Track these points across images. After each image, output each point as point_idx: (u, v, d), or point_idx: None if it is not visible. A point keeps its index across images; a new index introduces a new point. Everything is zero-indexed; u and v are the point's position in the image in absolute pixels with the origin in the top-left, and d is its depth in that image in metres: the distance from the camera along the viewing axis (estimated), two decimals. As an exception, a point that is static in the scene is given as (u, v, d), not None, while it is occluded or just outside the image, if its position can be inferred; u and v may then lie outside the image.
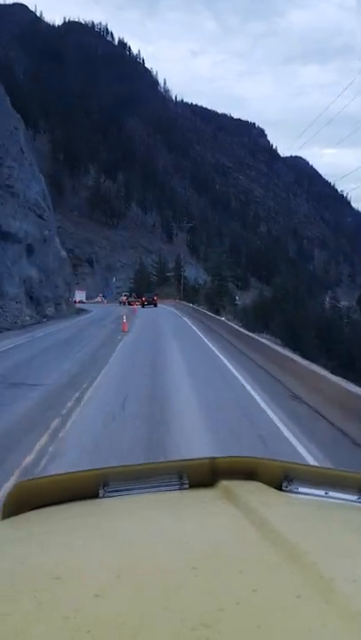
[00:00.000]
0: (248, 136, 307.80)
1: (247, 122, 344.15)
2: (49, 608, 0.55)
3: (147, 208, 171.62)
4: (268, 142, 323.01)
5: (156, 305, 55.27)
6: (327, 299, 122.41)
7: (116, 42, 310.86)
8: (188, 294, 66.23)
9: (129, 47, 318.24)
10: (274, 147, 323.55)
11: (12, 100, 44.87)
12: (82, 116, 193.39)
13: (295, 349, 32.09)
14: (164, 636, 0.49)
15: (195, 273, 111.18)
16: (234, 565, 0.63)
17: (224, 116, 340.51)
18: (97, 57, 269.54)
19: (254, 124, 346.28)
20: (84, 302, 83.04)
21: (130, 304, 63.96)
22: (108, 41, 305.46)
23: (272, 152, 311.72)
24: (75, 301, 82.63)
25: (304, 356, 16.23)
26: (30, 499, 0.89)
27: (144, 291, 75.53)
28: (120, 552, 0.69)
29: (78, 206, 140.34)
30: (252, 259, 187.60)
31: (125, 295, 74.03)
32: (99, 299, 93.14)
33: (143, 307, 54.20)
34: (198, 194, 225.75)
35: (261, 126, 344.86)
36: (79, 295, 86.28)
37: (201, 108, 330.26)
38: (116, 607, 0.54)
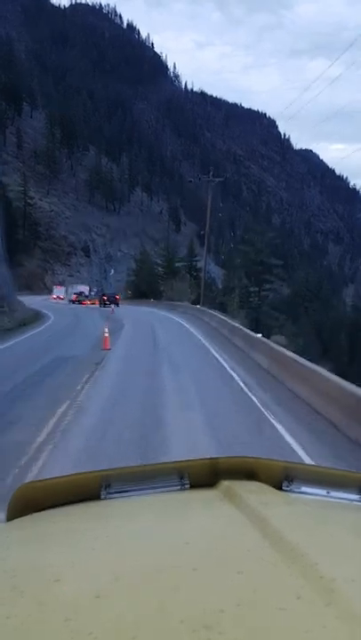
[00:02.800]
0: (260, 125, 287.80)
1: (258, 111, 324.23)
2: (49, 610, 0.54)
3: (153, 194, 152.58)
4: (280, 132, 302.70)
5: (117, 304, 47.86)
6: (347, 297, 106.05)
7: (125, 25, 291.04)
8: (208, 295, 46.93)
9: (138, 31, 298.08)
10: (287, 136, 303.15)
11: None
12: (85, 96, 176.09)
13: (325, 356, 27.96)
14: (164, 638, 0.49)
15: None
16: (234, 566, 0.62)
17: (235, 105, 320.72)
18: (104, 39, 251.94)
19: (265, 113, 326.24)
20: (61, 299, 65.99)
21: (80, 303, 54.64)
22: (117, 24, 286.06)
23: (285, 141, 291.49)
24: (53, 297, 63.59)
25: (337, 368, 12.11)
26: (34, 501, 0.89)
27: (147, 287, 57.09)
28: (121, 553, 0.69)
29: (75, 188, 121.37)
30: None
31: (75, 294, 60.82)
32: (55, 296, 69.42)
33: (104, 306, 46.57)
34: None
35: (272, 118, 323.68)
36: (58, 292, 71.37)
37: (211, 97, 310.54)
38: (117, 608, 0.53)
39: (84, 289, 73.81)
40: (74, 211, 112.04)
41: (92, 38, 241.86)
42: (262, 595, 0.55)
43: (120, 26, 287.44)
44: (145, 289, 57.36)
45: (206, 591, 0.56)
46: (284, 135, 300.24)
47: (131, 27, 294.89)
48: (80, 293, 60.71)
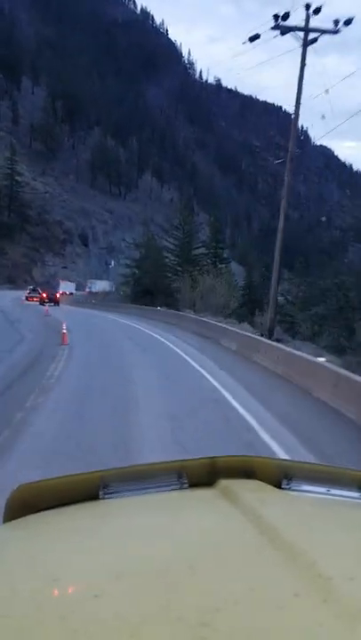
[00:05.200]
0: (277, 117, 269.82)
1: (273, 104, 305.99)
2: (47, 609, 0.54)
3: (164, 180, 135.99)
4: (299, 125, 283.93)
5: (58, 303, 42.63)
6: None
7: (139, 10, 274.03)
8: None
9: (152, 16, 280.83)
10: (305, 127, 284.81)
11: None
12: (94, 77, 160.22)
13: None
14: (162, 636, 0.48)
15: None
16: (232, 564, 0.62)
17: (250, 97, 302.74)
18: (117, 24, 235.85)
19: (281, 107, 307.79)
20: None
21: (29, 299, 46.19)
22: (130, 9, 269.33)
23: (303, 134, 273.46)
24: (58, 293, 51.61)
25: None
26: (31, 501, 0.87)
27: (152, 283, 40.45)
28: (119, 552, 0.68)
29: (76, 169, 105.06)
30: (285, 247, 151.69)
31: (29, 289, 51.76)
32: (61, 292, 59.58)
33: (43, 304, 39.99)
34: (222, 172, 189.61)
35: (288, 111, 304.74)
36: (65, 287, 64.56)
37: (226, 88, 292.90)
38: (115, 607, 0.52)
39: (70, 286, 65.58)
40: (72, 193, 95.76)
41: (104, 23, 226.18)
42: (260, 593, 0.55)
43: (134, 11, 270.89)
44: (150, 286, 40.51)
45: (204, 589, 0.56)
46: (302, 127, 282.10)
47: (145, 12, 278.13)
48: (34, 289, 51.27)
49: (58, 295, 45.87)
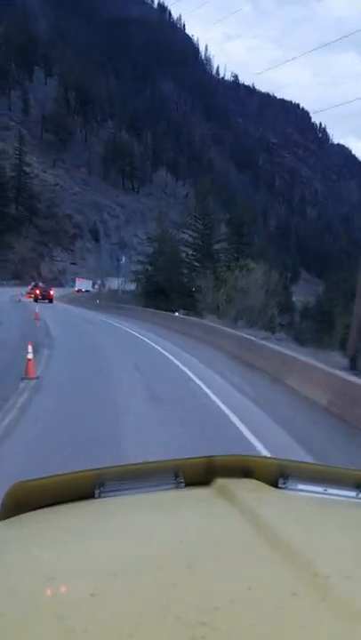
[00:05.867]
0: (294, 114, 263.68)
1: (291, 102, 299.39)
2: (44, 608, 0.53)
3: (179, 176, 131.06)
4: (316, 123, 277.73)
5: (51, 301, 40.62)
6: None
7: (155, 5, 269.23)
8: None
9: (169, 12, 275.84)
10: (323, 125, 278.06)
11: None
12: (108, 71, 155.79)
13: None
14: (159, 635, 0.47)
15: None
16: (229, 563, 0.61)
17: (267, 95, 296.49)
18: (133, 19, 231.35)
19: (298, 104, 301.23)
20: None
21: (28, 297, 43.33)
22: (147, 4, 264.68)
23: (321, 130, 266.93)
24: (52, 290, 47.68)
25: None
26: (27, 500, 0.86)
27: (167, 282, 35.51)
28: (116, 551, 0.68)
29: (88, 162, 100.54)
30: (302, 246, 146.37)
31: (31, 286, 49.53)
32: (77, 289, 60.66)
33: (37, 301, 38.24)
34: (239, 169, 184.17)
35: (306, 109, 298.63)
36: (82, 284, 63.06)
37: (244, 85, 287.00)
38: (112, 606, 0.52)
39: (86, 283, 63.14)
40: (83, 186, 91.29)
41: (120, 17, 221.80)
42: (258, 592, 0.54)
43: (150, 6, 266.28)
44: (164, 285, 35.40)
45: (202, 588, 0.55)
46: (320, 125, 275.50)
47: (162, 7, 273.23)
48: (35, 286, 49.44)
49: (51, 292, 43.50)
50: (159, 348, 14.49)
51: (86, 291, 59.59)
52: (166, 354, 13.61)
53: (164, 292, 35.05)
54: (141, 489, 0.88)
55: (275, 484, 0.89)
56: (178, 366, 11.72)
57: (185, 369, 11.29)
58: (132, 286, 43.14)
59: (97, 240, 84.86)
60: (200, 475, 0.91)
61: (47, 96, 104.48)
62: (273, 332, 20.97)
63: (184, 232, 41.45)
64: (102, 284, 60.58)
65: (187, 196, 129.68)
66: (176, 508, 0.87)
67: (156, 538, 0.71)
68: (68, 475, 0.89)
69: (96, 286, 64.49)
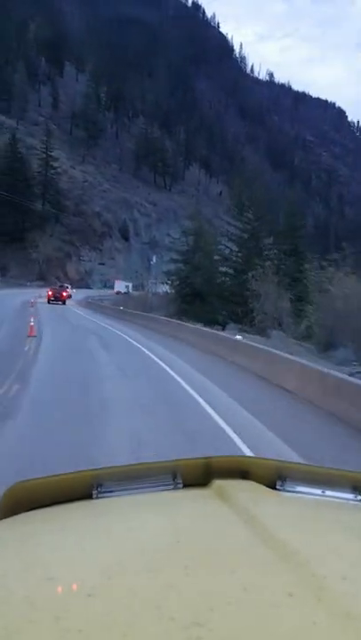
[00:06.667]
0: (331, 112, 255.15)
1: (326, 101, 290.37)
2: (41, 608, 0.52)
3: (212, 173, 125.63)
4: (353, 122, 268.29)
5: (64, 302, 39.63)
6: None
7: (190, 3, 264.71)
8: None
9: (203, 10, 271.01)
10: (360, 123, 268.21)
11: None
12: (141, 67, 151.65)
13: None
14: (155, 636, 0.47)
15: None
16: (226, 564, 0.61)
17: (303, 93, 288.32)
18: (167, 17, 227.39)
19: (334, 103, 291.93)
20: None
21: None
22: (181, 2, 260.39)
23: (359, 129, 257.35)
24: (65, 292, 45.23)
25: None
26: (25, 500, 0.86)
27: (205, 283, 29.84)
28: (113, 552, 0.67)
29: (119, 158, 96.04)
30: (341, 247, 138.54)
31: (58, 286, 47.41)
32: (116, 290, 58.03)
33: (49, 302, 37.16)
34: (274, 168, 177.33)
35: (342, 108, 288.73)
36: (119, 286, 60.64)
37: (279, 83, 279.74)
38: (108, 607, 0.51)
39: (124, 285, 60.04)
40: (113, 183, 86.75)
41: (154, 14, 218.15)
42: (254, 592, 0.54)
43: (185, 4, 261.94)
44: (201, 287, 29.83)
45: (198, 589, 0.55)
46: (358, 123, 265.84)
47: (196, 5, 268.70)
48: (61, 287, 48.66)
49: (64, 294, 42.36)
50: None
51: (125, 293, 56.59)
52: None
53: (201, 295, 29.54)
54: (139, 489, 0.88)
55: (272, 486, 0.90)
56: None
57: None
58: (164, 288, 37.71)
59: (127, 239, 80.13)
60: (198, 476, 0.91)
61: (77, 92, 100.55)
62: None
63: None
64: (140, 286, 56.33)
65: (220, 194, 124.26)
66: (173, 509, 0.87)
67: (153, 538, 0.72)
68: (66, 475, 0.89)
69: (119, 288, 60.08)
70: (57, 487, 0.88)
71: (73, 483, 0.87)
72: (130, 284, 62.24)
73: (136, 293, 53.22)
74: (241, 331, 19.59)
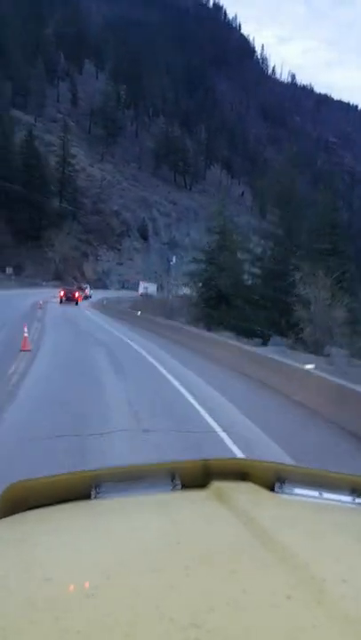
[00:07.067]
0: (353, 114, 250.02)
1: (349, 103, 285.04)
2: (39, 609, 0.52)
3: (234, 174, 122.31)
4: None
5: (77, 303, 37.74)
6: None
7: (211, 4, 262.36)
8: None
9: (224, 11, 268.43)
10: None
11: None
12: (161, 66, 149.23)
13: None
14: (153, 636, 0.47)
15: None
16: (225, 566, 0.60)
17: (324, 95, 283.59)
18: (188, 16, 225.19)
19: (357, 106, 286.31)
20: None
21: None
22: (202, 3, 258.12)
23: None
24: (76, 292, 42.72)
25: None
26: (22, 500, 0.85)
27: (232, 286, 26.39)
28: (112, 553, 0.67)
29: (139, 156, 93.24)
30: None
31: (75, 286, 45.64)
32: (142, 292, 54.41)
33: (61, 302, 36.23)
34: (296, 169, 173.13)
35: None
36: (145, 287, 57.95)
37: (301, 85, 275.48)
38: (107, 608, 0.51)
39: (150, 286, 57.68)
40: (133, 182, 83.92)
41: (174, 14, 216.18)
42: (252, 594, 0.54)
43: (206, 6, 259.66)
44: (226, 289, 26.38)
45: (197, 590, 0.55)
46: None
47: (217, 7, 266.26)
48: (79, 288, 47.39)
49: (76, 294, 40.28)
50: None
51: (151, 295, 53.55)
52: None
53: (226, 299, 26.15)
54: (138, 490, 0.87)
55: (271, 488, 0.89)
56: None
57: None
58: (185, 290, 34.33)
59: (145, 239, 77.13)
60: (197, 477, 0.90)
61: (96, 89, 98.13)
62: None
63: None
64: (159, 287, 53.09)
65: (242, 194, 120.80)
66: (172, 511, 0.86)
67: (152, 539, 0.71)
68: (65, 475, 0.89)
69: (140, 290, 56.76)
70: (56, 487, 0.87)
71: (71, 483, 0.87)
72: (154, 286, 58.88)
73: (156, 295, 50.02)
74: (291, 348, 15.65)
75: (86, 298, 48.25)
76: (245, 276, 29.62)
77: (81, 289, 50.29)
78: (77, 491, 0.86)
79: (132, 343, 15.85)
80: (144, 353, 13.59)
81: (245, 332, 20.66)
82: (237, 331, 20.33)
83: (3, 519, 0.83)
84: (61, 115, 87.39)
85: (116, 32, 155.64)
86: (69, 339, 15.83)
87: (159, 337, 18.22)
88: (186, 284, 34.38)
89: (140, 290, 57.55)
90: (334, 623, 0.48)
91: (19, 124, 73.11)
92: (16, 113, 75.82)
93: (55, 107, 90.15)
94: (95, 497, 0.85)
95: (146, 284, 59.74)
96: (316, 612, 0.50)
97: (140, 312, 26.93)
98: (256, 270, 28.29)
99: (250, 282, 28.17)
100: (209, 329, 20.29)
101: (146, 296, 51.17)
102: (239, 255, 30.47)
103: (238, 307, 25.26)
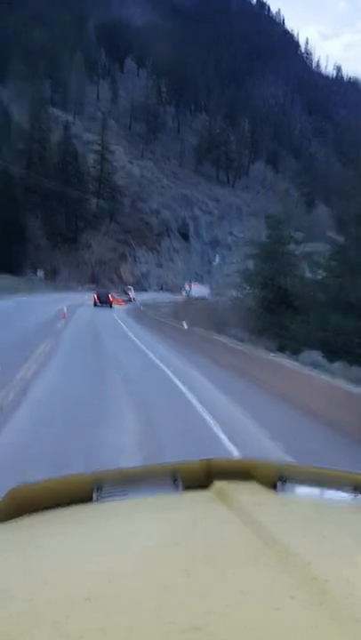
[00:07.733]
0: None
1: None
2: (40, 613, 0.52)
3: (279, 169, 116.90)
4: None
5: (111, 305, 35.55)
6: None
7: (254, 0, 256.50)
8: None
9: (268, 7, 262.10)
10: None
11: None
12: (204, 62, 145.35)
13: None
14: (153, 639, 0.47)
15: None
16: (227, 567, 0.59)
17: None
18: (231, 13, 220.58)
19: None
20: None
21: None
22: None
23: None
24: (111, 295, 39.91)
25: None
26: (24, 503, 0.84)
27: (292, 286, 21.82)
28: (112, 555, 0.66)
29: (180, 153, 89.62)
30: None
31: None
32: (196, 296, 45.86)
33: (95, 305, 34.62)
34: (342, 164, 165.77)
35: None
36: (197, 290, 50.36)
37: (347, 78, 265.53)
38: (107, 611, 0.51)
39: (203, 289, 51.32)
40: (173, 179, 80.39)
41: (219, 12, 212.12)
42: (255, 595, 0.53)
43: (249, 1, 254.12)
44: (288, 290, 21.55)
45: (198, 592, 0.54)
46: None
47: (260, 3, 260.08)
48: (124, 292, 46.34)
49: (110, 297, 37.97)
50: None
51: (202, 298, 45.49)
52: None
53: (287, 300, 21.54)
54: (140, 492, 0.86)
55: (273, 487, 0.88)
56: None
57: None
58: (233, 293, 29.86)
59: (186, 238, 73.39)
60: (199, 478, 0.89)
61: (137, 87, 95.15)
62: None
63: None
64: (189, 292, 47.82)
65: (287, 190, 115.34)
66: (174, 512, 0.85)
67: (153, 541, 0.70)
68: (66, 478, 0.88)
69: (183, 293, 51.61)
70: (57, 490, 0.87)
71: (73, 485, 0.87)
72: (207, 288, 51.23)
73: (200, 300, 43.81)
74: None
75: (129, 301, 44.80)
76: (308, 274, 24.66)
77: (125, 292, 48.14)
78: (79, 493, 0.85)
79: (180, 385, 8.81)
80: (222, 435, 5.99)
81: (341, 352, 14.56)
82: (326, 348, 14.59)
83: (4, 522, 0.83)
84: (101, 113, 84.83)
85: (157, 28, 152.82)
86: (81, 371, 9.93)
87: (220, 368, 11.18)
88: (237, 287, 29.56)
89: (193, 293, 47.89)
90: (337, 624, 0.47)
91: (57, 122, 70.82)
92: (54, 111, 73.65)
93: (95, 105, 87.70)
94: (97, 499, 0.84)
95: (199, 287, 51.31)
96: (320, 612, 0.49)
97: (185, 323, 19.66)
98: (333, 263, 22.33)
99: (320, 278, 22.73)
100: (282, 349, 15.01)
101: (195, 299, 43.97)
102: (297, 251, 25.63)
103: (307, 311, 20.00)
